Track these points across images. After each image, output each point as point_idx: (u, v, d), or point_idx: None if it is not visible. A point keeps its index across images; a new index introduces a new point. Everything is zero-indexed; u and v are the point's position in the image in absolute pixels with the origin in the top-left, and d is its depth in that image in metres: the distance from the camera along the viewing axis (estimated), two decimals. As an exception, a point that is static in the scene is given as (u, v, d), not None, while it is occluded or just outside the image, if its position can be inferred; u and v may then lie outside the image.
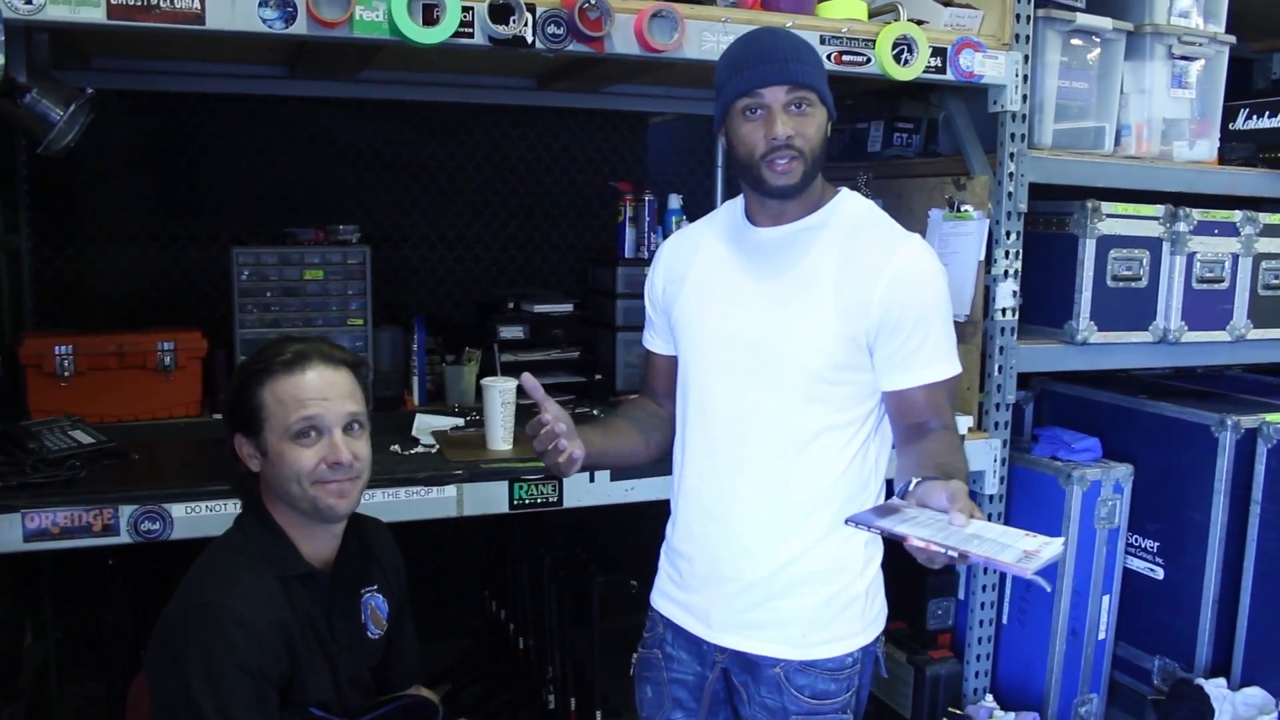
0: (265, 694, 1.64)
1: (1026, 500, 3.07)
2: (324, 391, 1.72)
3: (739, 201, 1.92)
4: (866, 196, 1.94)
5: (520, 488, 2.45)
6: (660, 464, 2.47)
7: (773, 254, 1.83)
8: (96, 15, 2.02)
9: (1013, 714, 3.02)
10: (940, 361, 1.79)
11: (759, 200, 1.83)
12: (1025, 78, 2.80)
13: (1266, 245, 3.22)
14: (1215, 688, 2.94)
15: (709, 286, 1.88)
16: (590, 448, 1.78)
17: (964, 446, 1.84)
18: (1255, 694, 2.95)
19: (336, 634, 1.80)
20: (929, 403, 1.79)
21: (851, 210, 1.84)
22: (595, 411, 2.95)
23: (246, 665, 1.61)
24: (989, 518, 2.90)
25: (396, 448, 2.60)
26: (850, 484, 1.83)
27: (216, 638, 1.61)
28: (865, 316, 1.75)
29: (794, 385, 1.77)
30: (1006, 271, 2.85)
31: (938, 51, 2.66)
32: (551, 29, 2.31)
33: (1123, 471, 3.06)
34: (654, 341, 2.04)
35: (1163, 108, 3.14)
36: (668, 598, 1.98)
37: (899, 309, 1.75)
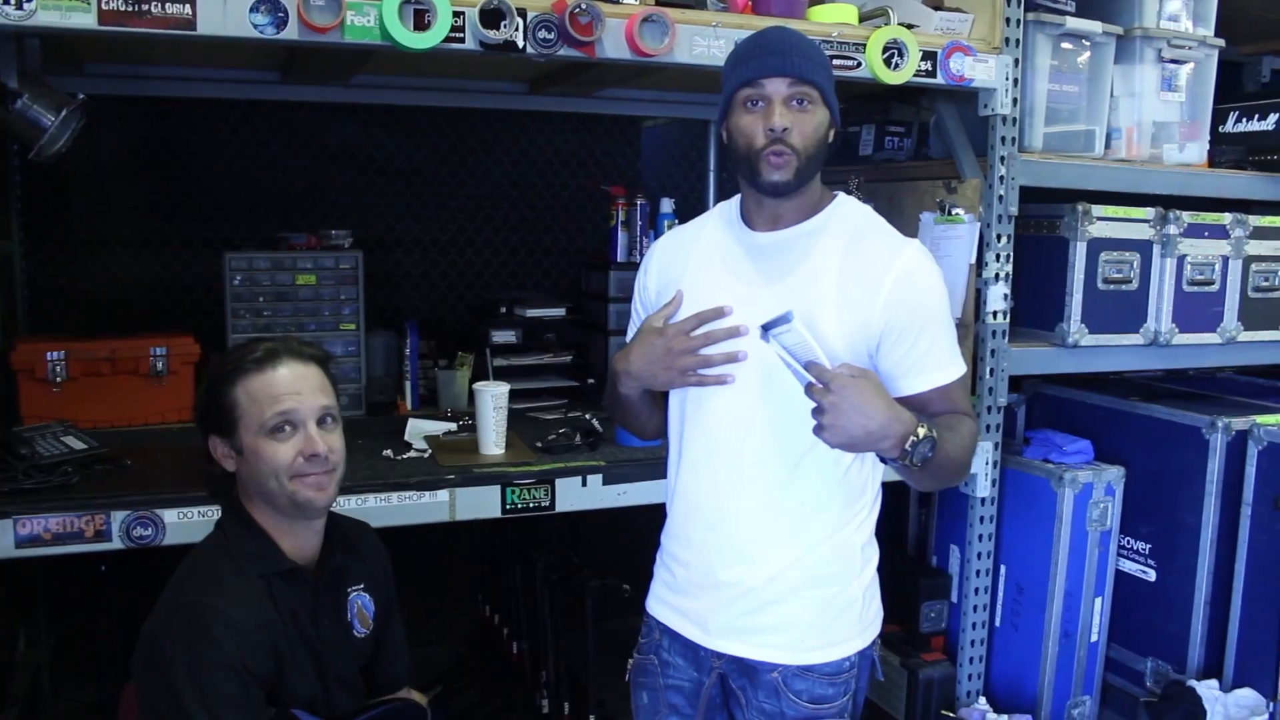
0: (250, 690, 1.64)
1: (1019, 503, 3.08)
2: (296, 386, 1.74)
3: (733, 204, 1.90)
4: (860, 200, 1.93)
5: (512, 492, 2.45)
6: (652, 468, 2.49)
7: (771, 258, 1.82)
8: (88, 21, 2.02)
9: (1006, 716, 3.02)
10: (948, 364, 1.80)
11: (756, 200, 1.82)
12: (1016, 81, 2.81)
13: (1256, 248, 3.22)
14: (1207, 689, 2.95)
15: (705, 290, 1.85)
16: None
17: (975, 431, 1.83)
18: (1247, 695, 2.95)
19: (322, 631, 1.80)
20: (943, 402, 1.79)
21: (850, 215, 1.84)
22: (588, 416, 2.95)
23: (231, 662, 1.62)
24: (980, 520, 2.95)
25: (389, 452, 2.61)
26: (848, 490, 1.83)
27: (199, 636, 1.62)
28: (868, 323, 1.74)
29: (793, 392, 1.77)
30: (998, 274, 2.86)
31: (928, 55, 2.67)
32: (542, 34, 2.31)
33: (1114, 474, 3.07)
34: None
35: (1153, 111, 3.15)
36: (664, 603, 1.97)
37: (904, 315, 1.75)
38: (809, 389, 1.63)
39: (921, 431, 1.64)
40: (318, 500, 1.76)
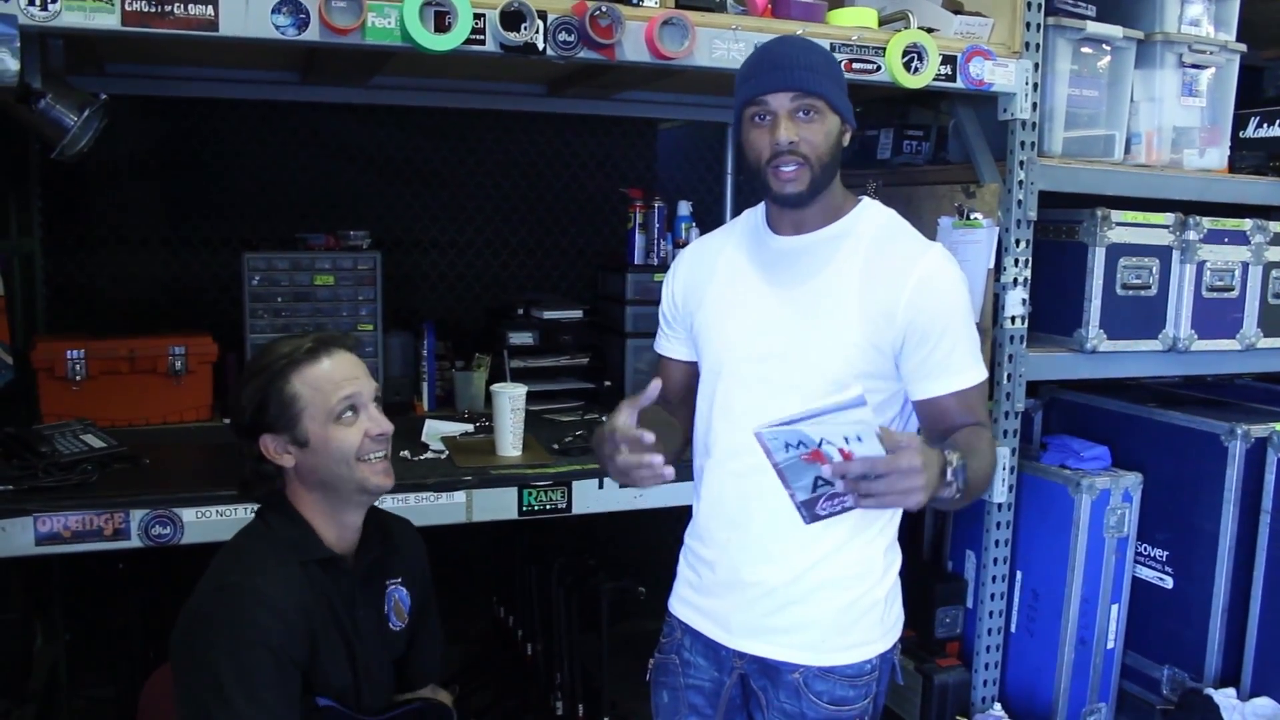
0: (287, 673, 1.67)
1: (1035, 508, 3.06)
2: (353, 371, 1.80)
3: (759, 210, 1.92)
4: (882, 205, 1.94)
5: (529, 494, 2.46)
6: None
7: (795, 262, 1.83)
8: (111, 22, 2.03)
9: (1021, 723, 3.02)
10: (969, 368, 1.80)
11: (777, 208, 1.85)
12: (1035, 86, 2.80)
13: (1277, 254, 3.20)
14: (1225, 698, 2.93)
15: (731, 295, 1.88)
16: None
17: (993, 442, 1.82)
18: (1265, 704, 2.94)
19: (358, 621, 1.82)
20: (961, 407, 1.80)
21: (873, 219, 1.85)
22: (605, 418, 2.95)
23: (270, 643, 1.64)
24: (997, 526, 2.94)
25: (406, 453, 2.61)
26: None
27: (241, 616, 1.65)
28: (890, 326, 1.76)
29: (818, 394, 1.76)
30: (1016, 279, 2.85)
31: (948, 59, 2.67)
32: (563, 36, 2.32)
33: (1132, 480, 3.05)
34: (670, 347, 2.03)
35: (1173, 116, 3.13)
36: (686, 603, 1.98)
37: (925, 318, 1.75)
38: (872, 464, 1.46)
39: (953, 459, 1.59)
40: (386, 485, 1.82)
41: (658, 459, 1.65)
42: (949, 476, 1.58)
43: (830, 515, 1.54)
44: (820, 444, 1.45)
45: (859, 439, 1.44)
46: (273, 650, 1.65)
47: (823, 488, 1.51)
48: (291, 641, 1.68)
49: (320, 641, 1.74)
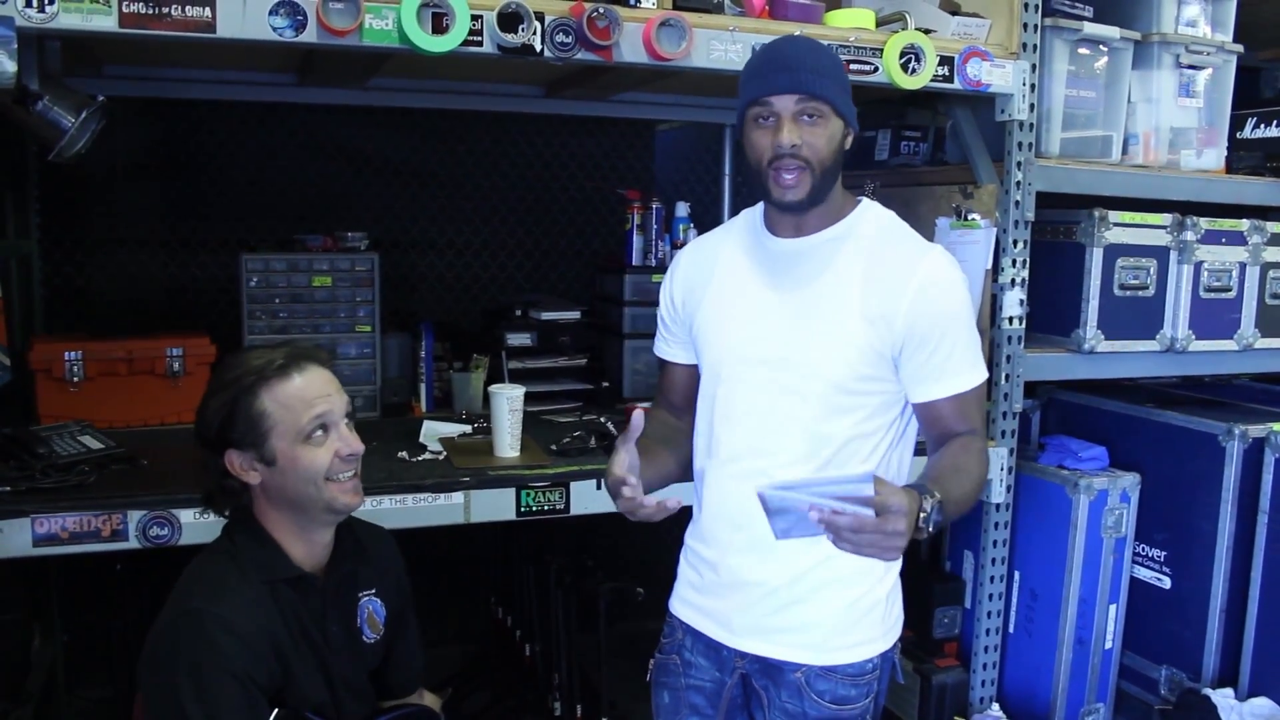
0: (253, 699, 1.64)
1: (1033, 509, 3.07)
2: (325, 388, 1.75)
3: (757, 210, 1.91)
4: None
5: (527, 495, 2.46)
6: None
7: (796, 265, 1.83)
8: (108, 24, 2.03)
9: (1019, 723, 3.02)
10: (967, 371, 1.80)
11: (777, 211, 1.84)
12: (1033, 87, 2.80)
13: (1274, 254, 3.21)
14: (1223, 698, 2.93)
15: (731, 297, 1.88)
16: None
17: (985, 450, 1.83)
18: (1263, 704, 2.94)
19: (329, 637, 1.80)
20: (957, 411, 1.80)
21: (873, 221, 1.85)
22: (603, 419, 2.96)
23: (233, 670, 1.62)
24: (995, 526, 2.94)
25: (404, 454, 2.61)
26: None
27: (202, 644, 1.62)
28: (891, 330, 1.75)
29: (819, 396, 1.78)
30: (1014, 280, 2.85)
31: (945, 60, 2.67)
32: (560, 37, 2.32)
33: (1129, 480, 3.06)
34: (670, 351, 2.03)
35: (1170, 116, 3.14)
36: (687, 603, 1.98)
37: (925, 322, 1.75)
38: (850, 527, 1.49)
39: (929, 505, 1.56)
40: (355, 504, 1.78)
41: (649, 501, 1.69)
42: (919, 523, 1.55)
43: (800, 537, 1.54)
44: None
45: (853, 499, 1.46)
46: (236, 676, 1.62)
47: (800, 524, 1.50)
48: (256, 666, 1.65)
49: (292, 661, 1.71)
